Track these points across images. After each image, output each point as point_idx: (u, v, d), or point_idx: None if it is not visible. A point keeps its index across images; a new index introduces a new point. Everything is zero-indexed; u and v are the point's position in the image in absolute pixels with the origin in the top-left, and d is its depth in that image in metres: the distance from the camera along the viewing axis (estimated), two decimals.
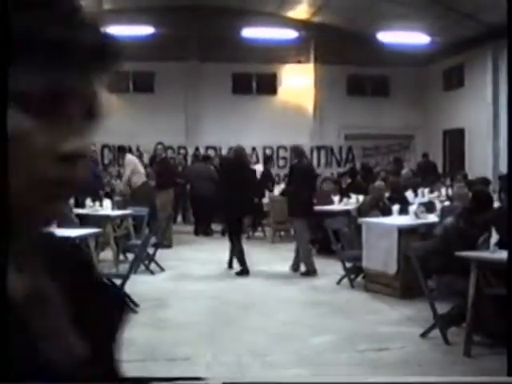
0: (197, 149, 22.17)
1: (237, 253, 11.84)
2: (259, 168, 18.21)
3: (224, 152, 21.68)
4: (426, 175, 18.41)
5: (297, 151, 12.57)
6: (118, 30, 20.72)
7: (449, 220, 7.57)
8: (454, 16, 19.57)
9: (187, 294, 9.96)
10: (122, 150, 16.94)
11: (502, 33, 19.82)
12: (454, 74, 23.43)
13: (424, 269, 7.39)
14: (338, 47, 22.88)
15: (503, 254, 6.54)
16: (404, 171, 18.29)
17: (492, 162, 20.40)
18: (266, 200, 16.47)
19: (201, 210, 17.03)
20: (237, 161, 12.51)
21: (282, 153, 23.79)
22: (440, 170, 22.52)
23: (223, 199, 12.28)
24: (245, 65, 23.20)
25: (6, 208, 0.76)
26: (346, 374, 6.20)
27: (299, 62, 24.10)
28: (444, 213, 9.14)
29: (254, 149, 22.14)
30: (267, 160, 20.35)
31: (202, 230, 17.04)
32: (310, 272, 11.48)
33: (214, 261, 12.76)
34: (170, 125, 22.17)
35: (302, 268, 11.68)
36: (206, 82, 23.06)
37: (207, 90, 23.05)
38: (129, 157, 15.68)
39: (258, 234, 16.82)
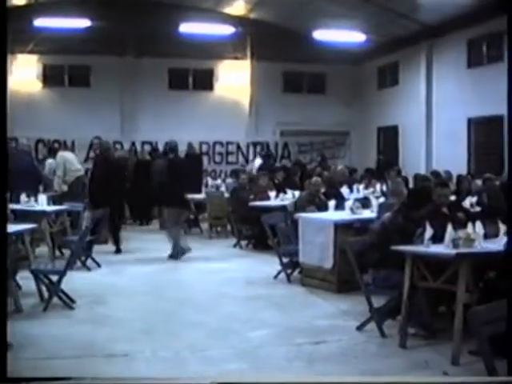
0: (133, 144, 22.05)
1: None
2: None
3: (160, 148, 21.64)
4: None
5: (171, 146, 12.89)
6: (53, 23, 20.49)
7: (387, 215, 7.70)
8: (388, 15, 19.84)
9: (124, 289, 9.92)
10: (52, 150, 16.81)
11: (435, 32, 20.24)
12: (388, 72, 23.74)
13: (360, 263, 7.51)
14: (275, 44, 22.96)
15: (437, 248, 6.71)
16: (339, 167, 18.46)
17: (425, 159, 20.75)
18: (202, 195, 16.46)
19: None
20: (101, 156, 13.79)
21: (218, 148, 23.78)
22: (374, 166, 22.76)
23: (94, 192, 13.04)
24: (181, 60, 23.12)
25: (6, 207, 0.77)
26: (284, 368, 6.27)
27: (236, 58, 24.09)
28: (381, 209, 9.28)
29: (189, 144, 22.04)
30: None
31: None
32: (179, 254, 12.50)
33: (151, 257, 12.74)
34: (105, 120, 21.96)
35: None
36: (143, 77, 22.88)
37: (143, 84, 22.89)
38: (60, 154, 15.49)
39: (195, 229, 16.79)
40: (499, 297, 4.69)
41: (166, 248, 12.81)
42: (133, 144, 22.04)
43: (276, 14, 22.31)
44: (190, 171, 13.70)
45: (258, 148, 23.96)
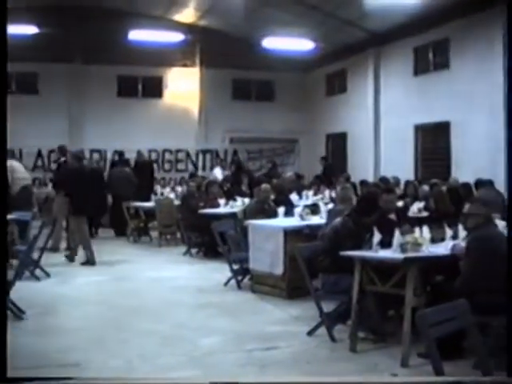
0: (81, 152, 21.81)
1: None
2: None
3: (109, 155, 21.57)
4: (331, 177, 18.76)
5: (76, 156, 13.95)
6: None
7: (339, 220, 7.78)
8: (336, 23, 20.05)
9: (75, 299, 9.84)
10: None
11: (382, 39, 20.51)
12: (336, 79, 23.97)
13: (310, 269, 7.57)
14: (224, 51, 23.02)
15: (385, 253, 6.81)
16: (288, 174, 18.58)
17: (373, 165, 20.99)
18: (151, 203, 16.41)
19: (120, 212, 16.76)
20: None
21: (167, 156, 23.75)
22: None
23: None
24: (131, 67, 23.04)
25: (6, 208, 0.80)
26: (236, 374, 6.29)
27: (185, 65, 24.11)
28: (330, 215, 9.36)
29: (138, 152, 21.99)
30: None
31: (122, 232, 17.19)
32: (90, 262, 12.73)
33: (101, 264, 12.65)
34: (53, 127, 21.73)
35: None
36: (91, 85, 22.74)
37: (92, 92, 22.75)
38: (7, 163, 15.29)
39: (145, 237, 16.71)
40: (447, 300, 4.78)
41: (116, 257, 12.77)
42: (81, 152, 21.80)
43: (225, 21, 22.38)
44: (94, 180, 13.90)
45: (208, 156, 24.02)
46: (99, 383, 4.94)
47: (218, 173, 20.94)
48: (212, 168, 23.29)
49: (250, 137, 24.28)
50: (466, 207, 6.80)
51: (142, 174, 18.45)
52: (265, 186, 12.39)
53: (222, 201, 14.35)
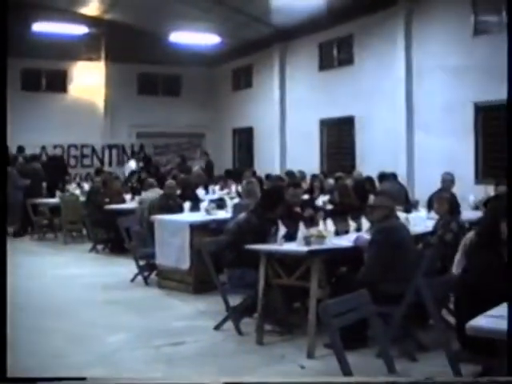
0: None
1: None
2: None
3: (14, 151, 21.09)
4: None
5: None
6: None
7: (242, 215, 7.82)
8: (242, 18, 20.13)
9: None
10: None
11: (288, 35, 20.71)
12: (242, 74, 24.09)
13: (216, 263, 7.61)
14: (130, 46, 22.80)
15: (290, 246, 6.90)
16: (195, 169, 18.58)
17: (279, 159, 21.18)
18: (56, 199, 16.13)
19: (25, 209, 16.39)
20: None
21: (73, 151, 23.42)
22: (230, 167, 23.02)
23: None
24: (34, 61, 22.55)
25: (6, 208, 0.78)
26: (144, 370, 6.27)
27: (90, 59, 23.78)
28: (236, 210, 9.41)
29: (43, 148, 21.61)
30: None
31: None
32: None
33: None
34: None
35: None
36: None
37: None
38: None
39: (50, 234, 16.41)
40: (350, 291, 4.88)
41: (20, 255, 12.51)
42: None
43: (131, 15, 22.17)
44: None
45: (114, 151, 23.81)
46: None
47: (133, 166, 20.81)
48: (119, 163, 23.17)
49: (157, 131, 24.19)
50: (373, 199, 6.95)
51: (54, 169, 18.22)
52: (169, 181, 12.37)
53: (127, 196, 14.25)
